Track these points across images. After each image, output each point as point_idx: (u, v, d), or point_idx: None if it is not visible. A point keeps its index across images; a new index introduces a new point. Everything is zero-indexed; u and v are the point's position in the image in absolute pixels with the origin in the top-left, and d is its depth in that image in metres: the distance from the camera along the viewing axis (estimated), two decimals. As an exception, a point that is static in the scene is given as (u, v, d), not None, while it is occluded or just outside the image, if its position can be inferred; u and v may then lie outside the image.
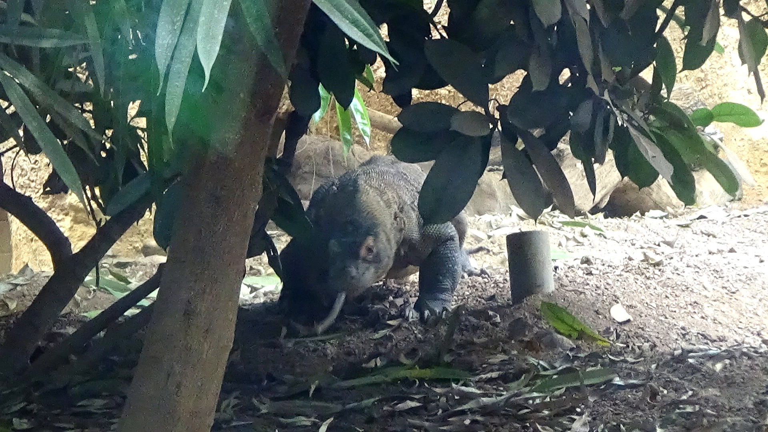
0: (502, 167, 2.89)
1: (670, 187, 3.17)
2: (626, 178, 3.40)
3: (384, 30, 2.84)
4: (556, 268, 4.87)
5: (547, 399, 3.05)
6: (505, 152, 2.89)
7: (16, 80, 2.24)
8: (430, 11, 3.01)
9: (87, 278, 3.85)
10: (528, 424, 2.87)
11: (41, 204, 7.47)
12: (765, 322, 4.56)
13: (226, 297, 2.23)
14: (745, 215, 7.09)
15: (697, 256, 5.40)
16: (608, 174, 7.30)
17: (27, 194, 4.42)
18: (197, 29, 1.86)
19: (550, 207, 6.70)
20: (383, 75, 2.99)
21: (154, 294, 3.20)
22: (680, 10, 3.08)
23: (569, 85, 3.04)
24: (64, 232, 4.65)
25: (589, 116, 2.92)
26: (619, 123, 2.98)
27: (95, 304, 4.89)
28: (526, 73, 2.87)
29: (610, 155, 3.15)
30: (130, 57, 2.39)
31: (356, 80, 3.15)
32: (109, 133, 3.24)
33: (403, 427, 2.97)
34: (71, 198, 8.18)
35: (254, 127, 2.19)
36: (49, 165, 6.16)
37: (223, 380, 2.28)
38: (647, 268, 4.99)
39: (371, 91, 4.05)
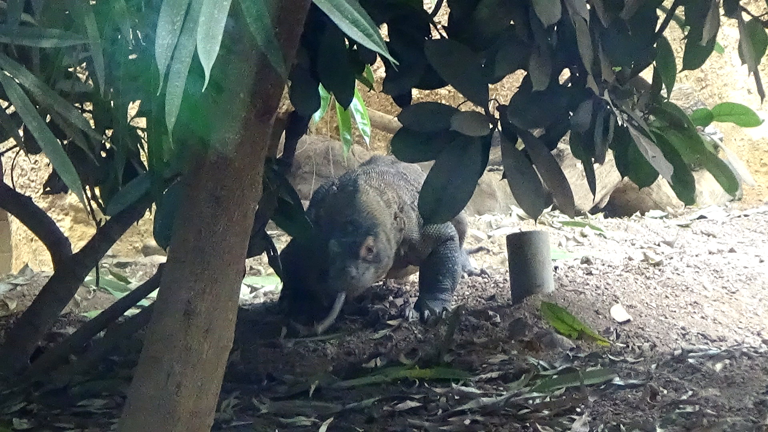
0: (502, 167, 2.89)
1: (670, 187, 3.17)
2: (626, 178, 3.40)
3: (384, 30, 2.84)
4: (556, 268, 4.87)
5: (547, 399, 3.05)
6: (505, 152, 2.89)
7: (16, 80, 2.24)
8: (430, 11, 3.01)
9: (87, 278, 3.85)
10: (528, 424, 2.87)
11: (41, 204, 7.48)
12: (765, 322, 4.56)
13: (226, 297, 2.23)
14: (745, 215, 7.09)
15: (697, 256, 5.40)
16: (608, 174, 7.31)
17: (27, 194, 4.42)
18: (197, 29, 1.86)
19: (550, 207, 6.70)
20: (383, 75, 2.99)
21: (154, 294, 3.20)
22: (680, 10, 3.08)
23: (569, 85, 3.04)
24: (64, 232, 4.65)
25: (589, 116, 2.93)
26: (619, 123, 2.98)
27: (95, 304, 4.89)
28: (526, 73, 2.87)
29: (610, 155, 3.15)
30: (130, 57, 2.39)
31: (356, 80, 3.15)
32: (109, 133, 3.24)
33: (403, 427, 2.97)
34: (71, 198, 8.18)
35: (254, 127, 2.19)
36: (49, 165, 6.16)
37: (223, 380, 2.28)
38: (647, 268, 4.99)
39: (371, 91, 4.05)
